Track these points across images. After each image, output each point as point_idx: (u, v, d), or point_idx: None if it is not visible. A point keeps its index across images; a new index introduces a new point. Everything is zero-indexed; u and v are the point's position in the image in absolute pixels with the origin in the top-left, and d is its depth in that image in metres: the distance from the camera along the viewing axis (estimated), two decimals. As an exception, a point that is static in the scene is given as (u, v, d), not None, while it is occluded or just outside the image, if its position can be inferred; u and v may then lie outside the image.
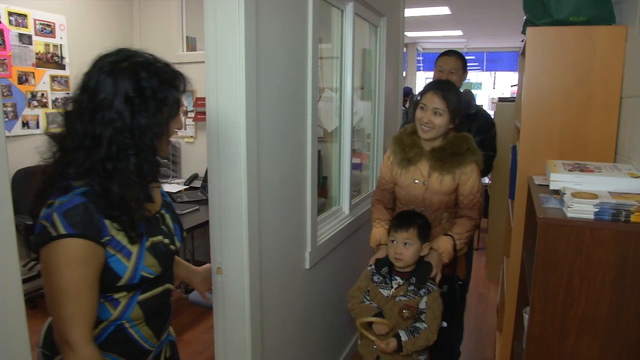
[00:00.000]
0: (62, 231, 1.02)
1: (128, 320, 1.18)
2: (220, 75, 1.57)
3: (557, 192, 1.52)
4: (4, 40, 3.46)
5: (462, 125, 2.17)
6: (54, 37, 3.83)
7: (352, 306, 2.06)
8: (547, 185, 1.61)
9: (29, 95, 3.67)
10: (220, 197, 1.63)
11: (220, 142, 1.61)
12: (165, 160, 4.39)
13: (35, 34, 3.69)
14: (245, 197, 1.60)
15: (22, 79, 3.61)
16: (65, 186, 1.07)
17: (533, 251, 1.36)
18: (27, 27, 3.62)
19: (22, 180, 3.37)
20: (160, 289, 1.24)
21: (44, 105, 3.78)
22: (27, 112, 3.66)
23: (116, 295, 1.15)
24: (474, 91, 9.11)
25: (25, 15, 3.60)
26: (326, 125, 3.22)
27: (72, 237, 1.02)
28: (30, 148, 3.58)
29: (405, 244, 1.93)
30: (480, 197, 2.11)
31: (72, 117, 1.11)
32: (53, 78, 3.83)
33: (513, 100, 4.07)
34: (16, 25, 3.55)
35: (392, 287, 1.97)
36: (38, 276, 3.14)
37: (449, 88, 2.05)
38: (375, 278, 2.02)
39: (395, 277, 1.98)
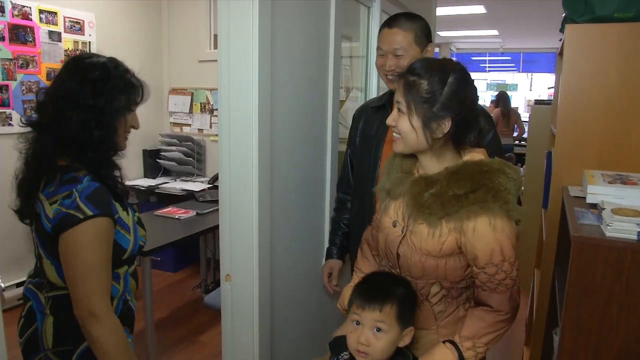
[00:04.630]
0: (89, 213, 1.14)
1: (128, 292, 1.33)
2: (233, 75, 1.50)
3: (594, 206, 1.38)
4: (34, 38, 3.50)
5: (472, 134, 1.25)
6: (83, 35, 3.86)
7: None
8: (584, 198, 1.47)
9: (57, 92, 3.70)
10: (230, 203, 1.56)
11: (231, 145, 1.54)
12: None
13: (65, 31, 3.72)
14: (256, 203, 1.53)
15: (51, 75, 3.63)
16: (72, 177, 1.19)
17: (565, 267, 1.23)
18: (56, 25, 3.65)
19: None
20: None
21: (72, 101, 3.82)
22: (55, 108, 3.69)
23: (119, 270, 1.29)
24: (509, 92, 8.86)
25: (55, 13, 3.64)
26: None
27: (98, 217, 1.16)
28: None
29: (376, 329, 1.21)
30: (515, 270, 1.22)
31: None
32: (81, 75, 3.86)
33: (550, 103, 3.88)
34: (46, 23, 3.58)
35: None
36: None
37: (437, 67, 1.21)
38: None
39: None
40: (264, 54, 1.49)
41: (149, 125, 4.61)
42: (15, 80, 3.40)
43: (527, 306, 3.73)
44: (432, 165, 1.27)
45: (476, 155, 1.25)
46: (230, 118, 1.52)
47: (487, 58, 12.41)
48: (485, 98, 13.68)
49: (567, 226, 1.34)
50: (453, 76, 1.19)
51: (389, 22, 1.66)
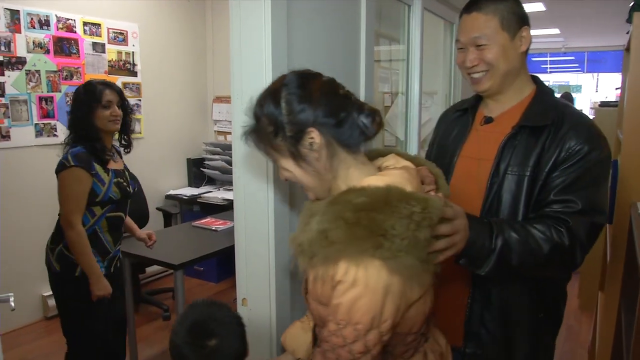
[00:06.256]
0: (72, 163, 1.98)
1: (99, 227, 2.11)
2: (246, 80, 1.37)
3: (670, 229, 1.15)
4: (78, 50, 3.56)
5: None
6: (127, 45, 3.90)
7: None
8: (657, 218, 1.24)
9: (101, 103, 3.75)
10: (245, 221, 1.43)
11: (245, 160, 1.41)
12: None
13: (109, 42, 3.76)
14: (272, 221, 1.39)
15: (95, 86, 3.68)
16: (74, 145, 2.05)
17: (634, 300, 1.01)
18: (100, 36, 3.70)
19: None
20: (119, 213, 2.19)
21: (116, 112, 3.86)
22: (99, 118, 3.74)
23: (94, 208, 2.07)
24: (573, 94, 8.27)
25: (99, 25, 3.69)
26: (398, 132, 2.96)
27: (76, 167, 1.98)
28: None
29: None
30: (359, 344, 0.87)
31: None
32: (125, 85, 3.89)
33: (616, 105, 3.51)
34: (90, 35, 3.64)
35: None
36: None
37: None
38: None
39: None
40: (279, 58, 1.35)
41: (193, 134, 4.61)
42: (60, 92, 3.46)
43: (590, 330, 3.38)
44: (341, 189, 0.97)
45: (382, 178, 0.94)
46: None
47: (549, 59, 11.76)
48: (546, 100, 12.98)
49: (635, 252, 1.12)
50: (284, 88, 0.95)
51: (468, 7, 1.29)
